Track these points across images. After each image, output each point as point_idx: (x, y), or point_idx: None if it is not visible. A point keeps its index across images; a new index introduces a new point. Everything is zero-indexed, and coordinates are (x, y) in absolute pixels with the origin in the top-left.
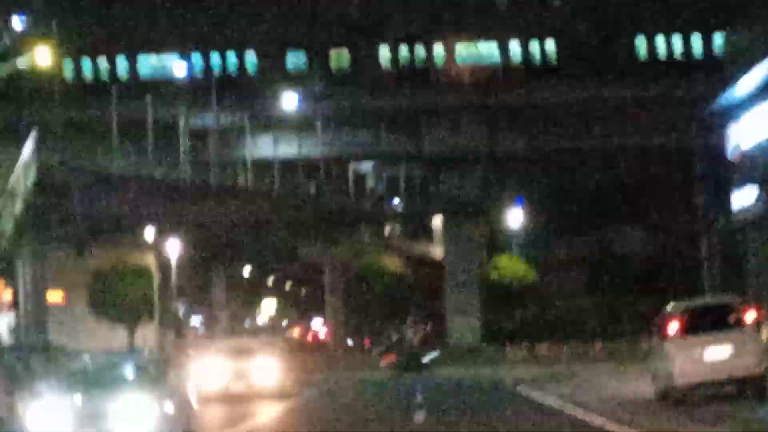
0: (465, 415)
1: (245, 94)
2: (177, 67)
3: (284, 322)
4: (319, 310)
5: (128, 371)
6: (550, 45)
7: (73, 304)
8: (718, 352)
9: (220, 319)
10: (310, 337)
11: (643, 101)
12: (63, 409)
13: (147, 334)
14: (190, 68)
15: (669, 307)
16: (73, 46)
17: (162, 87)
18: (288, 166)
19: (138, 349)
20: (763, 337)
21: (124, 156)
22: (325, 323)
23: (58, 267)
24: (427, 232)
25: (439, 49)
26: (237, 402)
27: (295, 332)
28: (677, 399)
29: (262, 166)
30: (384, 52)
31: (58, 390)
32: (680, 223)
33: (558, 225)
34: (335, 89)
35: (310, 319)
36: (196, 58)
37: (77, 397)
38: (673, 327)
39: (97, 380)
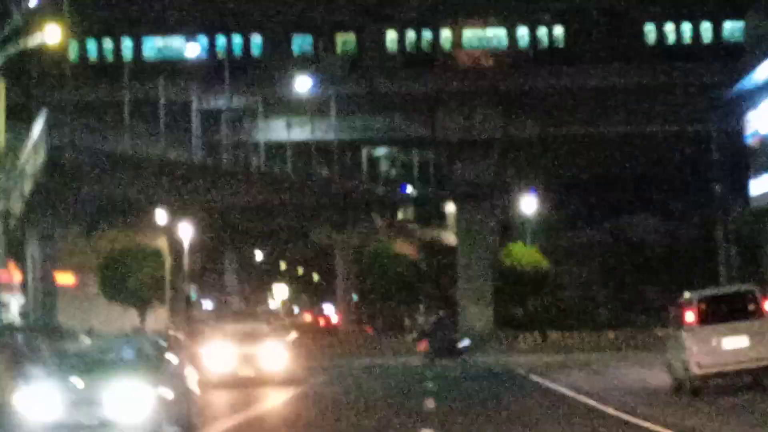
0: (475, 403)
1: (259, 77)
2: (189, 48)
3: (296, 308)
4: (331, 295)
5: (127, 355)
6: (562, 30)
7: (85, 287)
8: (735, 342)
9: (231, 303)
10: (322, 322)
11: (659, 87)
12: (54, 395)
13: (158, 318)
14: (205, 50)
15: (686, 296)
16: (84, 26)
17: (175, 67)
18: (301, 149)
19: (140, 332)
20: None
21: (135, 137)
22: (337, 309)
23: (68, 249)
24: (440, 218)
25: (447, 33)
26: (245, 387)
27: (307, 317)
28: (694, 389)
29: (275, 149)
30: (392, 36)
31: (50, 374)
32: (696, 211)
33: (572, 212)
34: (348, 73)
35: (321, 304)
36: (209, 40)
37: (70, 382)
38: (690, 316)
39: (92, 364)
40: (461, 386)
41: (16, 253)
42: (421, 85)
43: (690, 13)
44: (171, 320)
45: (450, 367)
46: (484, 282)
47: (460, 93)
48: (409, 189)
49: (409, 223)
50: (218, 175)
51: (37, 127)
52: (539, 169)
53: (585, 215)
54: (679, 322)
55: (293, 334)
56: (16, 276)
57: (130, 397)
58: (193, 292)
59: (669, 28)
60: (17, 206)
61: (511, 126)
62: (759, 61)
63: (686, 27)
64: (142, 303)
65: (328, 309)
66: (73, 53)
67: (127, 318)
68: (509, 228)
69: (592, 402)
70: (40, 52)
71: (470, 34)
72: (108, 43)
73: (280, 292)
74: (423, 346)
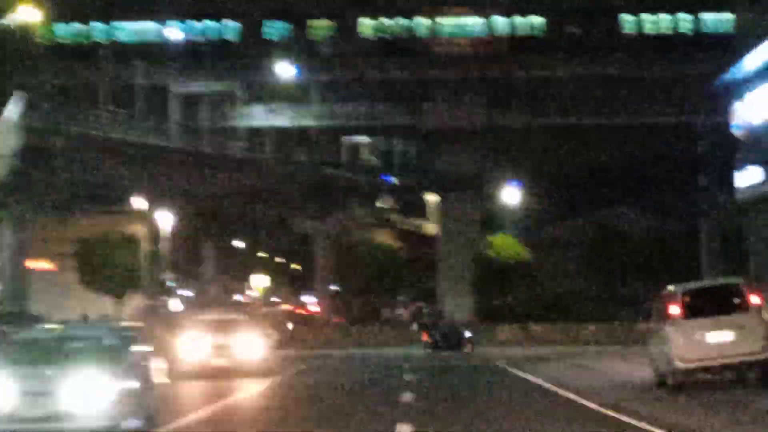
0: (452, 396)
1: (238, 63)
2: (168, 32)
3: (274, 298)
4: (311, 284)
5: (86, 343)
6: (549, 21)
7: (62, 273)
8: (720, 336)
9: (209, 292)
10: (302, 311)
11: (645, 79)
12: (6, 385)
13: (135, 305)
14: (182, 34)
15: (670, 289)
16: (60, 8)
17: (152, 51)
18: (281, 136)
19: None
20: (767, 319)
21: (112, 121)
22: (318, 299)
23: (43, 235)
24: (421, 208)
25: (426, 21)
26: (219, 377)
27: (286, 306)
28: (676, 383)
29: (255, 135)
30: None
31: (2, 363)
32: (680, 203)
33: (555, 204)
34: (329, 60)
35: (301, 293)
36: (189, 25)
37: (21, 373)
38: (674, 309)
39: (47, 353)
40: (439, 378)
41: None
42: (405, 73)
43: (674, 4)
44: (143, 308)
45: (438, 359)
46: (464, 273)
47: (442, 82)
48: (391, 176)
49: (390, 212)
50: (197, 160)
51: (11, 109)
52: (523, 160)
53: (568, 207)
54: (660, 316)
55: (290, 325)
56: None
57: (90, 388)
58: (169, 280)
59: (650, 18)
60: None
61: (496, 116)
62: (746, 53)
63: (680, 18)
64: (117, 290)
65: (308, 299)
66: (47, 36)
67: (103, 305)
68: (492, 219)
69: (572, 395)
70: (13, 33)
71: (451, 23)
72: (83, 27)
73: (259, 282)
74: (425, 337)
